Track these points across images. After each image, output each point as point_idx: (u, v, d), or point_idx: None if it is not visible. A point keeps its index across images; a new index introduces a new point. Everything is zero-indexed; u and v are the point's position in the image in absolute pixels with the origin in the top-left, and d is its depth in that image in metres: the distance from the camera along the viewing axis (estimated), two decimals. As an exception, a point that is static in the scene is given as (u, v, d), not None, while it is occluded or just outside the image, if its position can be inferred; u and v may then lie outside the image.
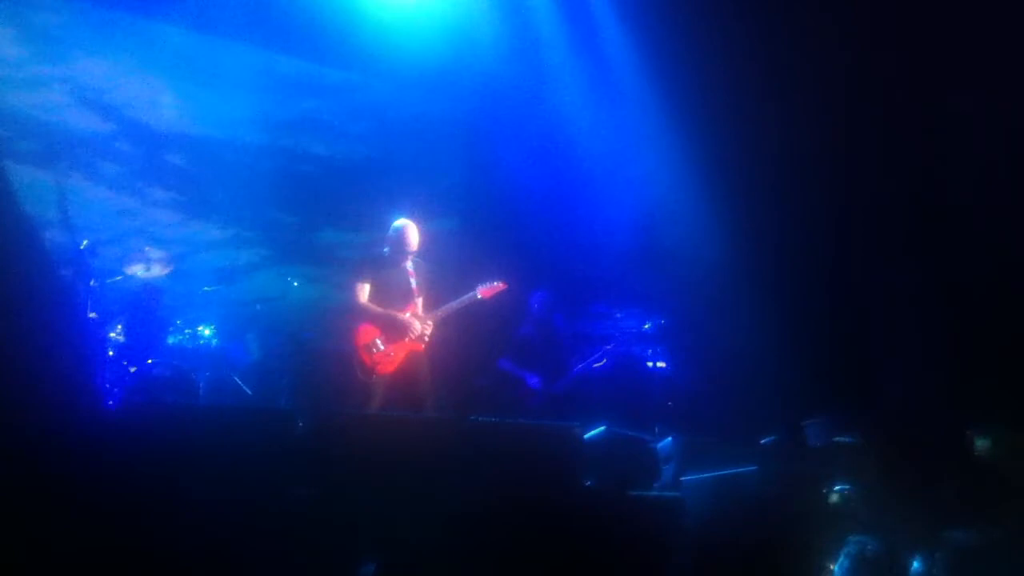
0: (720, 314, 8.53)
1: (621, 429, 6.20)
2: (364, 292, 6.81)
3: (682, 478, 5.71)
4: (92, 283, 6.97)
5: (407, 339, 6.77)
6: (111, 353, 7.07)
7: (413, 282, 6.87)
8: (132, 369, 7.05)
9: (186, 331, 7.68)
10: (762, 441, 6.71)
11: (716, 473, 5.38)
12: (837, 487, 5.68)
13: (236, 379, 7.67)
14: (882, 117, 8.20)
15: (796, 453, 6.68)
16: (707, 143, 8.62)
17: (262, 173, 9.17)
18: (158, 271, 7.48)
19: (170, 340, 7.57)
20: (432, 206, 8.25)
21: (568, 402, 7.93)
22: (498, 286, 7.16)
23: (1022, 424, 5.86)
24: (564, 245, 9.28)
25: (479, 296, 7.08)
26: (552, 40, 9.22)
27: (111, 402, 6.69)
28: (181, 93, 8.82)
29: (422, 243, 6.92)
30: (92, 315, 6.92)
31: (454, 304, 7.05)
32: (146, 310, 7.49)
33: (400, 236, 6.87)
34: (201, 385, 7.23)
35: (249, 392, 7.64)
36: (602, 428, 5.90)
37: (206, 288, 8.02)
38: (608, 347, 8.38)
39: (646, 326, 8.53)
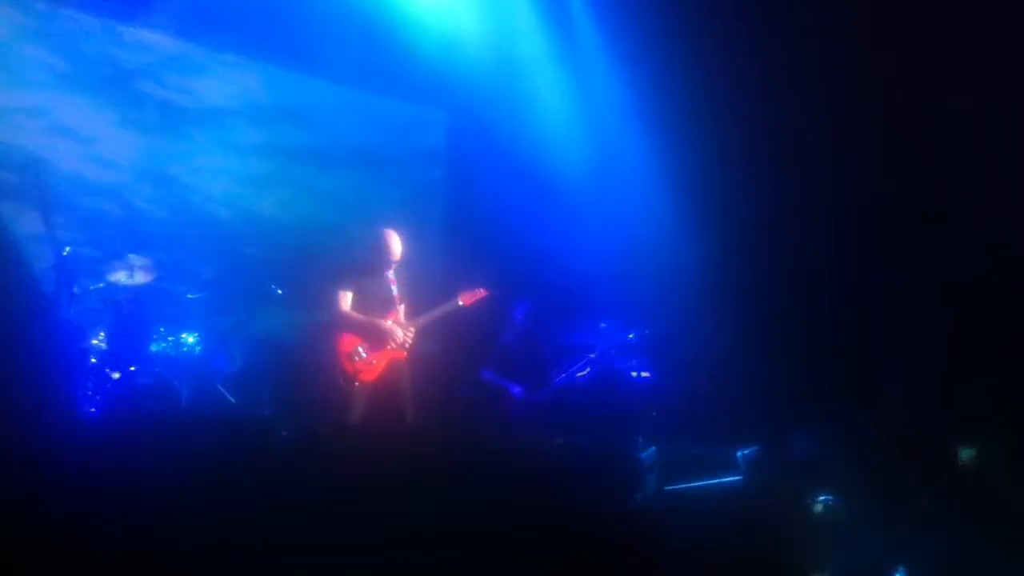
0: (706, 322, 8.52)
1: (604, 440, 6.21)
2: (346, 300, 6.78)
3: (665, 488, 5.72)
4: (75, 290, 6.92)
5: (389, 347, 6.76)
6: (93, 360, 7.02)
7: (394, 290, 6.85)
8: (115, 376, 7.00)
9: (169, 338, 7.63)
10: (745, 451, 6.72)
11: (699, 483, 5.39)
12: (821, 497, 5.70)
13: (219, 387, 7.63)
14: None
15: (779, 464, 6.69)
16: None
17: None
18: (141, 278, 7.44)
19: (153, 348, 7.52)
20: (412, 215, 8.22)
21: (551, 412, 7.91)
22: (479, 293, 7.15)
23: (1009, 433, 5.89)
24: (548, 254, 9.22)
25: (461, 303, 7.07)
26: (538, 44, 9.26)
27: (93, 409, 6.66)
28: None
29: (404, 252, 6.91)
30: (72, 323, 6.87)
31: (436, 311, 7.04)
32: (129, 318, 7.43)
33: (383, 244, 6.85)
34: (184, 393, 7.18)
35: (232, 400, 7.60)
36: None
37: (190, 296, 7.97)
38: (591, 356, 8.33)
39: (630, 336, 8.51)
